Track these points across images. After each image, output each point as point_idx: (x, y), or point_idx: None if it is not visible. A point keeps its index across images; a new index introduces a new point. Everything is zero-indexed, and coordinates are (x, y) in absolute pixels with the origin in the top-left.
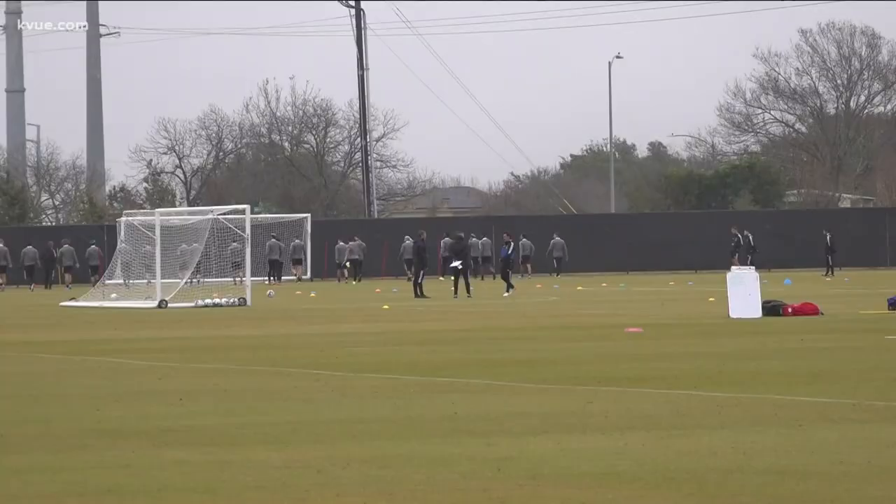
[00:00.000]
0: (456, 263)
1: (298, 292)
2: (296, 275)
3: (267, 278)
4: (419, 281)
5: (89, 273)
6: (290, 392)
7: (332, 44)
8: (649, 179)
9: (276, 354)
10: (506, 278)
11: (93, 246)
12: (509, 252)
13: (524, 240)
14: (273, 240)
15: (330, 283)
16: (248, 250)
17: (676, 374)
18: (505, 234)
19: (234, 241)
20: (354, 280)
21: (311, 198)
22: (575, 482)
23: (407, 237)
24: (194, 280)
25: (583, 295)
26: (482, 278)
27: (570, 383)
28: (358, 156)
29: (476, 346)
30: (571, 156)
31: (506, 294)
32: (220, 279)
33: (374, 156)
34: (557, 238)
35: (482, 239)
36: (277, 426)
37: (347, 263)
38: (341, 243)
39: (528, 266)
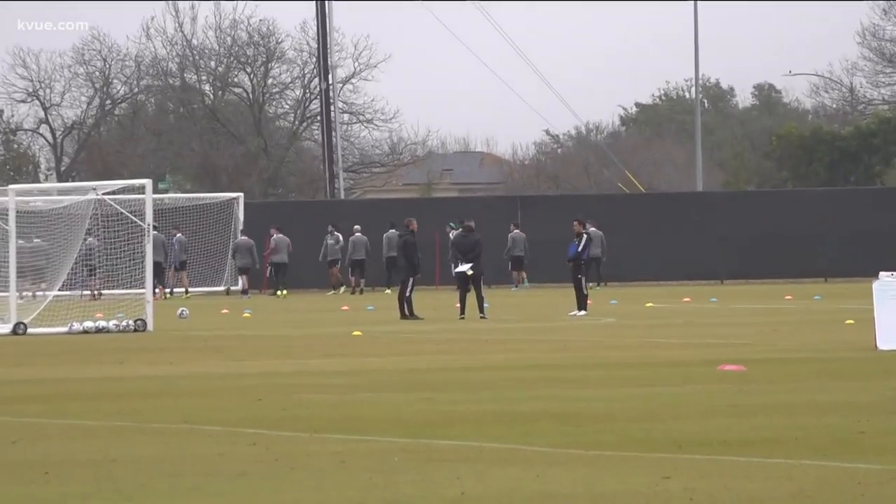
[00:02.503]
0: (464, 268)
1: (225, 311)
2: (179, 285)
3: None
4: (407, 294)
5: None
6: (212, 462)
7: None
8: (755, 141)
9: (192, 404)
10: (578, 288)
11: None
12: (579, 248)
13: (516, 231)
14: (154, 232)
15: (267, 299)
16: (149, 246)
17: (796, 435)
18: (575, 222)
19: (88, 235)
20: (280, 291)
21: (244, 169)
22: None
23: (355, 228)
24: (78, 292)
25: (654, 315)
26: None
27: (637, 448)
28: (315, 105)
29: (494, 391)
30: (637, 105)
31: (576, 314)
32: (108, 291)
33: (341, 105)
34: (592, 228)
35: (457, 230)
36: None
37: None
38: (243, 237)
39: (524, 273)
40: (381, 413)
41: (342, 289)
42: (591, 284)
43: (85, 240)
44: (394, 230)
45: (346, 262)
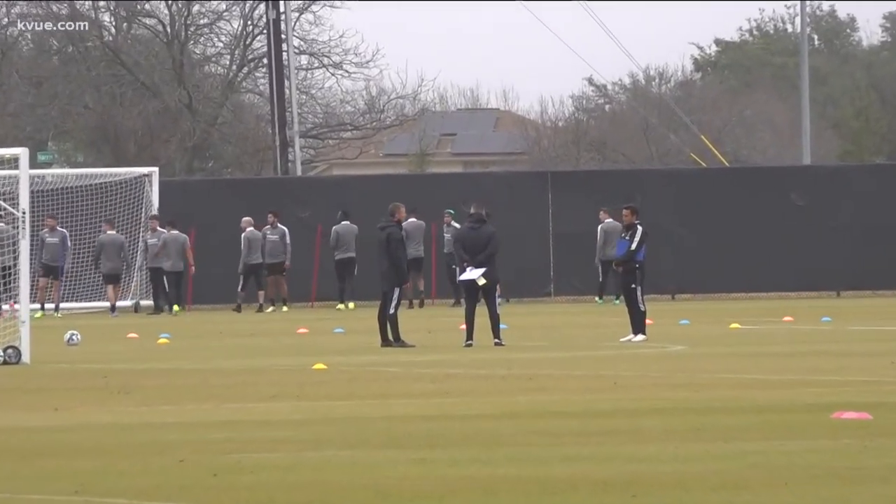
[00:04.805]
0: (473, 274)
1: (133, 335)
2: (50, 298)
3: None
4: (391, 312)
5: None
6: None
7: None
8: (886, 93)
9: (87, 467)
10: (630, 302)
11: None
12: (633, 246)
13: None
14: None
15: (192, 316)
16: (24, 243)
17: None
18: (626, 211)
19: None
20: (170, 308)
21: (160, 133)
22: None
23: (243, 222)
24: None
25: (741, 340)
26: (415, 303)
27: None
28: (260, 43)
29: (514, 448)
30: (718, 43)
31: (631, 339)
32: None
33: (297, 43)
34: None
35: (408, 219)
36: None
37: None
38: (110, 232)
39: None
40: (355, 478)
41: (276, 307)
42: (500, 300)
43: None
44: (347, 221)
45: (241, 268)
